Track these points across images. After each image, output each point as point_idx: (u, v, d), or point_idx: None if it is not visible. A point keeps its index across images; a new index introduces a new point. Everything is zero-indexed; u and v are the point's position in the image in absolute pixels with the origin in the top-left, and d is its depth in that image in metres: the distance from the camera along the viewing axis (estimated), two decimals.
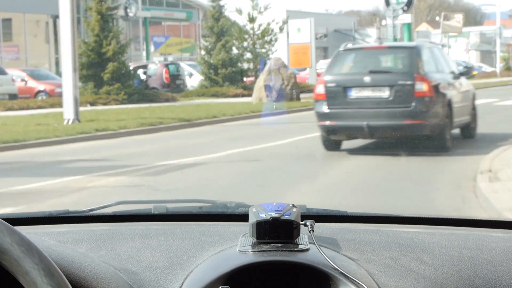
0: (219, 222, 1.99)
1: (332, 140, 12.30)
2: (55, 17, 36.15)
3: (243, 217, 1.83)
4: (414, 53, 12.38)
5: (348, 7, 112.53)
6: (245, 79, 32.90)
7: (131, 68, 28.83)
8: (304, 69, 38.42)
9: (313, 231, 1.66)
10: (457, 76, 13.18)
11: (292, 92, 25.49)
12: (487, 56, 67.21)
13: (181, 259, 1.66)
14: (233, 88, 29.79)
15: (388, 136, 12.21)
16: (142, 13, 41.80)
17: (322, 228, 1.78)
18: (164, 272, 1.61)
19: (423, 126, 11.78)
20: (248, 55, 33.29)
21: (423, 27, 73.54)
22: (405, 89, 11.84)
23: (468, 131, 13.40)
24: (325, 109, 12.09)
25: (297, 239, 1.63)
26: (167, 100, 25.85)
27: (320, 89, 12.32)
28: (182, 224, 1.99)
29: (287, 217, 1.62)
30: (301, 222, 1.65)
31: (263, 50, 33.47)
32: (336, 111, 12.00)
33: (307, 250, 1.61)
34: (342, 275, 1.54)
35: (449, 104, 12.09)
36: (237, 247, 1.64)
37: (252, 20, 33.32)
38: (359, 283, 1.52)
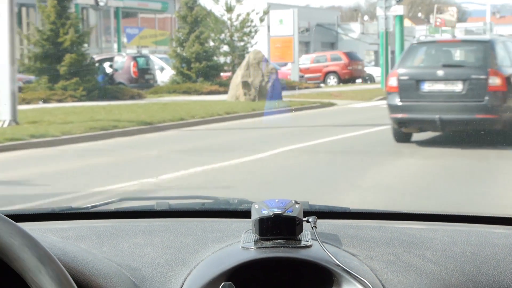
0: (222, 219, 2.03)
1: (403, 133, 12.73)
2: (20, 6, 32.33)
3: (246, 214, 1.87)
4: (488, 47, 12.68)
5: (329, 3, 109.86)
6: (222, 74, 29.14)
7: (96, 60, 25.28)
8: (285, 65, 34.78)
9: (315, 227, 1.70)
10: None
11: (273, 90, 22.02)
12: None
13: (184, 256, 1.70)
14: (208, 85, 26.58)
15: (459, 129, 12.68)
16: (114, 3, 38.79)
17: (324, 224, 1.82)
18: (166, 268, 1.65)
19: (495, 121, 12.08)
20: (225, 48, 29.79)
21: (406, 23, 69.94)
22: (478, 83, 12.12)
23: None
24: (397, 101, 12.49)
25: (299, 236, 1.67)
26: (132, 98, 22.67)
27: (393, 82, 12.72)
28: (184, 220, 2.02)
29: (289, 214, 1.66)
30: (303, 219, 1.68)
31: (242, 43, 29.78)
32: (408, 103, 12.40)
33: (309, 246, 1.65)
34: (344, 272, 1.57)
35: None
36: (239, 244, 1.68)
37: (229, 9, 29.86)
38: (361, 280, 1.55)
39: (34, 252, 1.22)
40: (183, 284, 1.59)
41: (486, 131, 12.34)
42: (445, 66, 12.61)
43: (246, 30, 31.59)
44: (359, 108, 22.75)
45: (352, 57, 39.77)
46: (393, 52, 32.60)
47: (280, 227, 1.66)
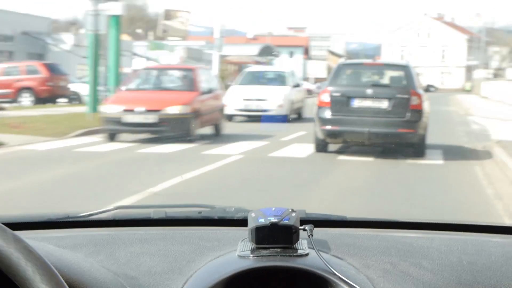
0: (219, 227, 2.05)
1: (324, 144, 14.64)
2: None
3: (242, 222, 1.92)
4: (407, 70, 14.99)
5: (39, 12, 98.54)
6: None
7: None
8: None
9: (312, 236, 1.75)
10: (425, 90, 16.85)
11: None
12: None
13: (180, 264, 1.72)
14: None
15: (384, 142, 14.62)
16: None
17: (321, 233, 1.87)
18: (163, 277, 1.67)
19: (413, 135, 14.15)
20: None
21: (125, 38, 67.53)
22: (401, 102, 14.13)
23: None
24: (328, 114, 14.19)
25: (296, 244, 1.72)
26: None
27: (325, 97, 14.37)
28: (181, 229, 2.04)
29: (286, 222, 1.68)
30: (300, 227, 1.73)
31: None
32: (339, 117, 14.24)
33: (306, 255, 1.69)
34: (341, 280, 1.61)
35: (426, 116, 14.96)
36: (236, 252, 1.72)
37: None
38: None
39: (30, 260, 1.24)
40: None
41: (404, 143, 14.49)
42: (373, 85, 14.75)
43: None
44: (39, 155, 12.58)
45: (53, 70, 30.00)
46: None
47: (276, 235, 1.68)
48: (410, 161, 13.69)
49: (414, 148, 14.51)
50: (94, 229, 2.01)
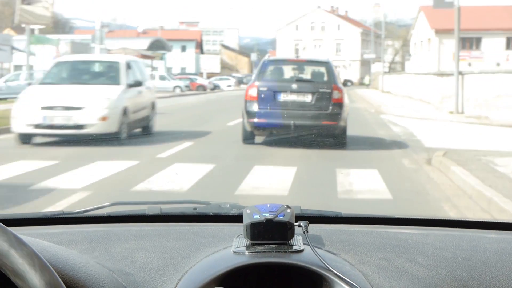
0: (214, 223, 2.04)
1: (252, 136, 15.32)
2: None
3: (238, 218, 1.91)
4: (328, 66, 15.92)
5: None
6: None
7: None
8: None
9: (307, 232, 1.74)
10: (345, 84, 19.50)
11: None
12: None
13: (176, 260, 1.71)
14: None
15: (308, 133, 15.41)
16: None
17: (316, 229, 1.86)
18: (158, 273, 1.66)
19: (335, 127, 15.04)
20: None
21: (7, 31, 70.22)
22: (324, 96, 14.98)
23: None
24: (255, 108, 14.93)
25: (291, 240, 1.71)
26: None
27: (252, 92, 15.09)
28: (176, 225, 2.02)
29: (281, 218, 1.67)
30: (295, 223, 1.73)
31: None
32: (266, 111, 14.97)
33: (301, 251, 1.68)
34: (336, 276, 1.61)
35: (347, 110, 15.82)
36: (231, 248, 1.72)
37: None
38: (353, 284, 1.59)
39: (25, 257, 1.22)
40: None
41: (326, 135, 15.50)
42: (297, 80, 15.61)
43: None
44: None
45: None
46: None
47: (271, 231, 1.66)
48: (342, 195, 8.92)
49: (336, 139, 15.38)
50: (89, 226, 2.01)
